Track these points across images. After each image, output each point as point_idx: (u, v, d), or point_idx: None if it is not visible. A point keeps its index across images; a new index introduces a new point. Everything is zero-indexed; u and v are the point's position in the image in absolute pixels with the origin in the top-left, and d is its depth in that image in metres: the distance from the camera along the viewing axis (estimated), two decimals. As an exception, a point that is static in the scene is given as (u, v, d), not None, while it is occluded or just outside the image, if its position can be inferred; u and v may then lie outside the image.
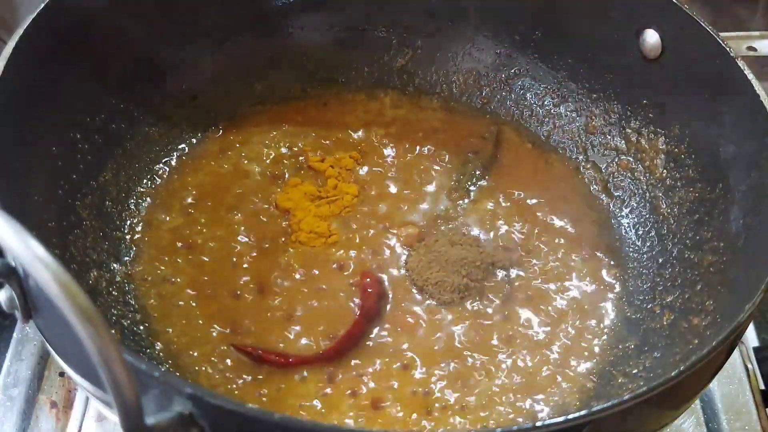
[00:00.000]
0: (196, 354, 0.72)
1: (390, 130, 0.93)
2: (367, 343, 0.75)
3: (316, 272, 0.79)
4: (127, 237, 0.80)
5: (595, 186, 0.90)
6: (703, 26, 0.75)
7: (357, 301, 0.77)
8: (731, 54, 0.73)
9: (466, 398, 0.71)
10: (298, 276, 0.79)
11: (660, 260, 0.80)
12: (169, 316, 0.75)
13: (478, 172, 0.90)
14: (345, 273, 0.80)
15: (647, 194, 0.85)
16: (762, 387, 0.84)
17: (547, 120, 0.94)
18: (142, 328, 0.74)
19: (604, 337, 0.77)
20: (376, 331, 0.75)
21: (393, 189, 0.88)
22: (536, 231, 0.85)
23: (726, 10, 1.26)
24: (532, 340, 0.76)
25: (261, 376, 0.71)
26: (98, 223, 0.78)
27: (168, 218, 0.83)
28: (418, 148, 0.92)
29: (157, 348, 0.73)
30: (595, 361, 0.75)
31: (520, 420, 0.70)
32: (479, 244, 0.82)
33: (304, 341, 0.74)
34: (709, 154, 0.78)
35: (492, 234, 0.84)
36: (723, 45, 0.74)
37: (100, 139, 0.81)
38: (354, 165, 0.90)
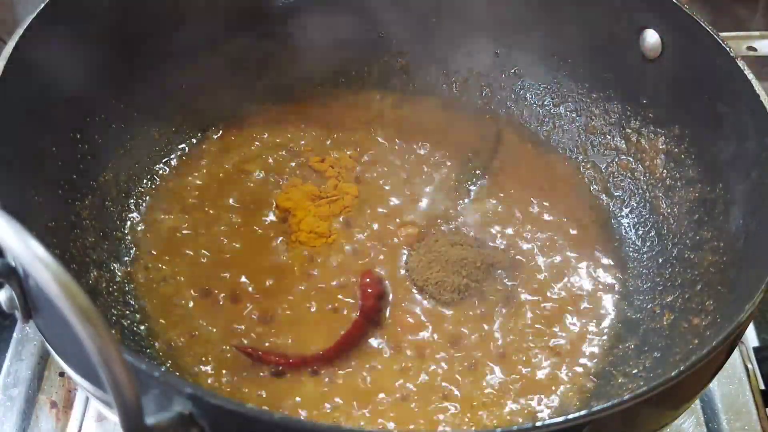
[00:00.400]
0: (196, 354, 0.72)
1: (390, 130, 0.93)
2: (367, 343, 0.75)
3: (316, 272, 0.79)
4: (127, 237, 0.80)
5: (595, 186, 0.90)
6: (703, 26, 0.75)
7: (357, 301, 0.77)
8: (731, 54, 0.73)
9: (466, 398, 0.71)
10: (298, 276, 0.79)
11: (660, 260, 0.80)
12: (169, 316, 0.75)
13: (478, 172, 0.90)
14: (345, 273, 0.80)
15: (647, 194, 0.85)
16: (762, 387, 0.84)
17: (547, 120, 0.94)
18: (142, 328, 0.74)
19: (604, 337, 0.77)
20: (376, 331, 0.75)
21: (393, 189, 0.88)
22: (536, 231, 0.85)
23: (726, 10, 1.26)
24: (532, 340, 0.76)
25: (261, 376, 0.71)
26: (98, 223, 0.78)
27: (168, 218, 0.83)
28: (418, 148, 0.92)
29: (157, 348, 0.73)
30: (595, 361, 0.75)
31: (520, 420, 0.70)
32: (479, 244, 0.82)
33: (304, 341, 0.74)
34: (709, 154, 0.78)
35: (492, 234, 0.84)
36: (723, 45, 0.74)
37: (100, 139, 0.81)
38: (354, 165, 0.90)
